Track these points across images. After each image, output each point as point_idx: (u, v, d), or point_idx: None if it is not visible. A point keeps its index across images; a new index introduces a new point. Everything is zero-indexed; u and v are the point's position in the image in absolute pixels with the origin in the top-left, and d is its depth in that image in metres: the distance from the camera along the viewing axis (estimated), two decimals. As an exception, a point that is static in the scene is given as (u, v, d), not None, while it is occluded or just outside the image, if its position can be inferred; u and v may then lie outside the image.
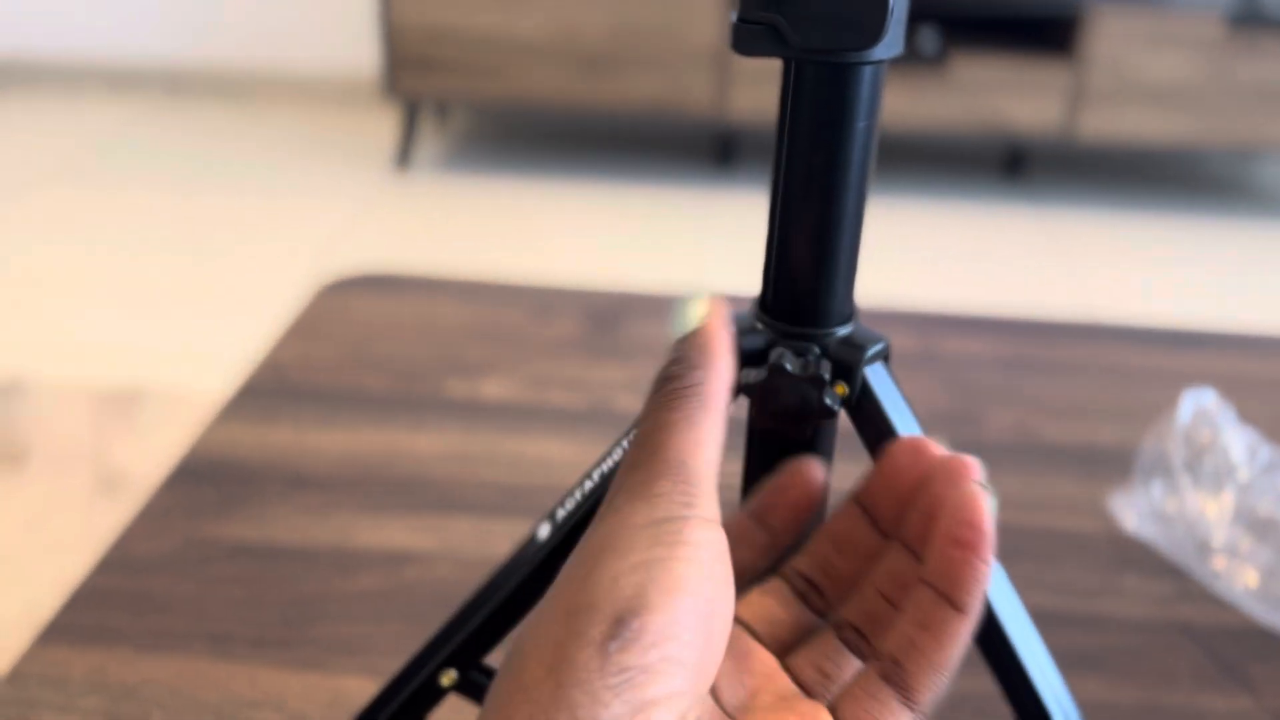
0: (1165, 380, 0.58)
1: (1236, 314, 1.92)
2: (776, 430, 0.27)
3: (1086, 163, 2.50)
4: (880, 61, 0.23)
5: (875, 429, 0.26)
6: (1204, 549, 0.41)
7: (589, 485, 0.27)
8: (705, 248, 2.07)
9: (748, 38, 0.23)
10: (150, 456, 1.37)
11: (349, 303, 0.65)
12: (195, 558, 0.42)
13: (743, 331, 0.26)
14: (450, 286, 0.68)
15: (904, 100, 2.16)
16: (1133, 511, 0.44)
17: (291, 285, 1.87)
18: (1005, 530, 0.47)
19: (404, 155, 2.34)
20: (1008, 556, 0.27)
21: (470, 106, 2.58)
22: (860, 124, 0.23)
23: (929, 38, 2.18)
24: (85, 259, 1.96)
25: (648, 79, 2.20)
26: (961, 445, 0.51)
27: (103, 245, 2.01)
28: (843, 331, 0.26)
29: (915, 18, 2.26)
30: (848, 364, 0.26)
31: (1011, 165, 2.43)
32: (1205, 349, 0.62)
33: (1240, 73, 2.12)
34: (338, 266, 1.92)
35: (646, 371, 0.58)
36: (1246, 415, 0.55)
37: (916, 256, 2.07)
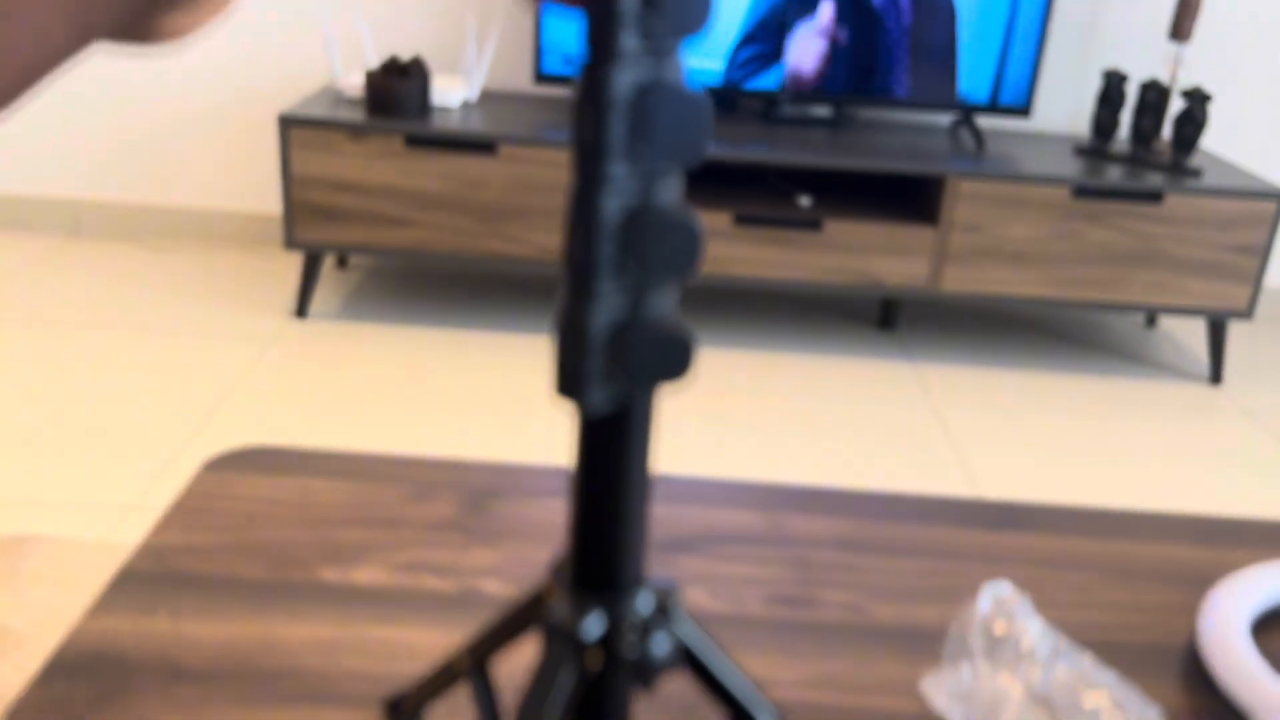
0: (986, 559, 0.63)
1: (1081, 461, 2.03)
2: None
3: (952, 315, 2.64)
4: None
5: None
6: (1000, 730, 0.45)
7: None
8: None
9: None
10: (33, 610, 1.34)
11: (230, 482, 0.67)
12: (66, 756, 0.43)
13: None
14: (331, 462, 0.71)
15: (784, 259, 2.27)
16: (942, 692, 0.48)
17: (184, 432, 1.86)
18: (831, 713, 0.50)
19: (302, 302, 2.36)
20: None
21: (369, 255, 2.62)
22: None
23: (806, 201, 2.31)
24: (-29, 404, 1.92)
25: (540, 230, 2.27)
26: (800, 627, 0.55)
27: (-10, 390, 1.97)
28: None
29: (794, 184, 2.39)
30: None
31: (884, 317, 2.56)
32: (1023, 530, 0.68)
33: (1087, 236, 2.28)
34: (230, 419, 1.92)
35: (518, 555, 0.61)
36: (1053, 596, 0.60)
37: (798, 404, 2.14)
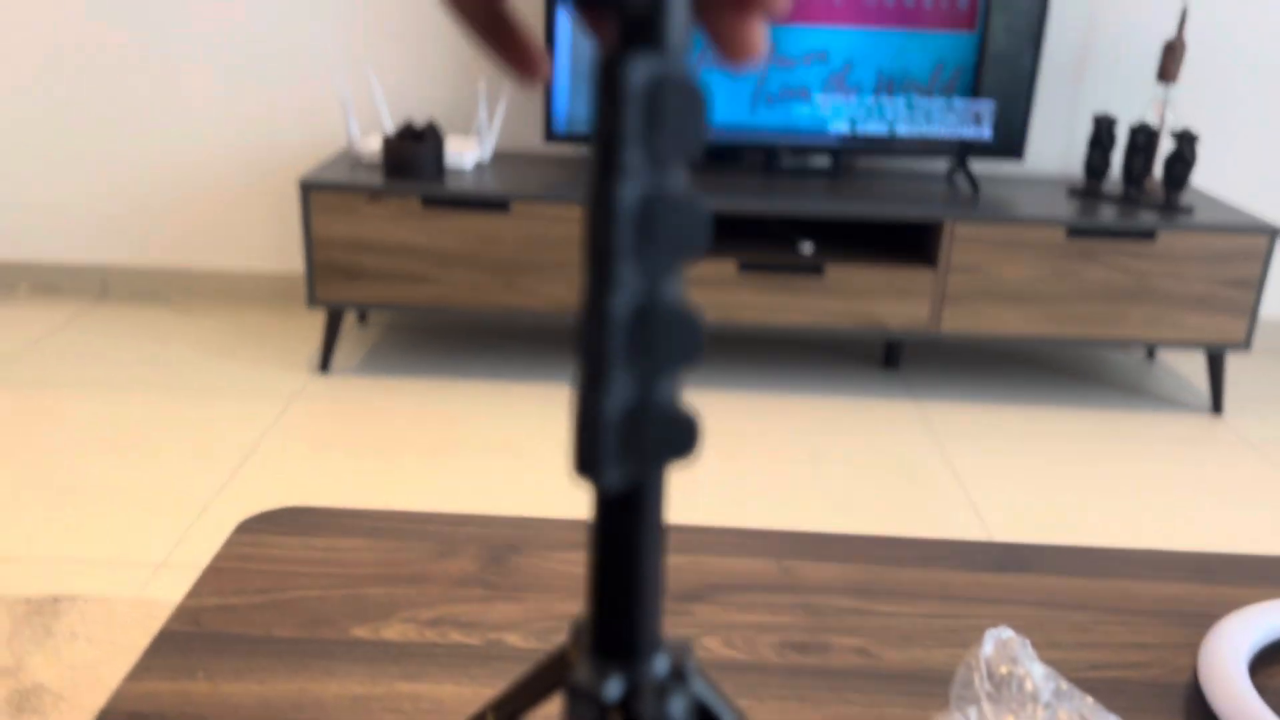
0: (991, 600, 0.64)
1: (1085, 493, 2.02)
2: None
3: (955, 352, 2.65)
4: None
5: None
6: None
7: None
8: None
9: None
10: (70, 669, 1.35)
11: (263, 542, 0.68)
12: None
13: None
14: (358, 520, 0.72)
15: (788, 304, 2.29)
16: (952, 736, 0.49)
17: (212, 487, 1.87)
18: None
19: (326, 358, 2.38)
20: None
21: (390, 311, 2.65)
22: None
23: (808, 248, 2.33)
24: (5, 464, 1.94)
25: (554, 284, 2.30)
26: (813, 672, 0.56)
27: (25, 449, 1.99)
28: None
29: (795, 231, 2.42)
30: None
31: (888, 357, 2.57)
32: (1026, 571, 0.69)
33: (1083, 274, 2.29)
34: (258, 474, 1.93)
35: (540, 608, 0.62)
36: (1056, 637, 0.61)
37: (805, 443, 2.15)
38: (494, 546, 0.68)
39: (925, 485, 2.03)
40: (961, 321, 2.32)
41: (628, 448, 0.25)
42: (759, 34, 0.28)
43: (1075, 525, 1.92)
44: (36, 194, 2.72)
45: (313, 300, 2.31)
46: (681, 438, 0.26)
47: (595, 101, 0.27)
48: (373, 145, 2.38)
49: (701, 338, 0.26)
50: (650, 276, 0.26)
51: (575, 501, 1.90)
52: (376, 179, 2.28)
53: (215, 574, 0.64)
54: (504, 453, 2.07)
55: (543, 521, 0.72)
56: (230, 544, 0.68)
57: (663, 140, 0.26)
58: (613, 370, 0.25)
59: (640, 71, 0.26)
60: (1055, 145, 2.64)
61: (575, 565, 0.67)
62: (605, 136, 0.26)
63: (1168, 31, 2.53)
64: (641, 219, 0.26)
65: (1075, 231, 2.26)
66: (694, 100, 0.27)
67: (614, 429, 0.25)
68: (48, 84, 2.63)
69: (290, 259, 2.75)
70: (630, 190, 0.26)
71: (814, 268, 2.28)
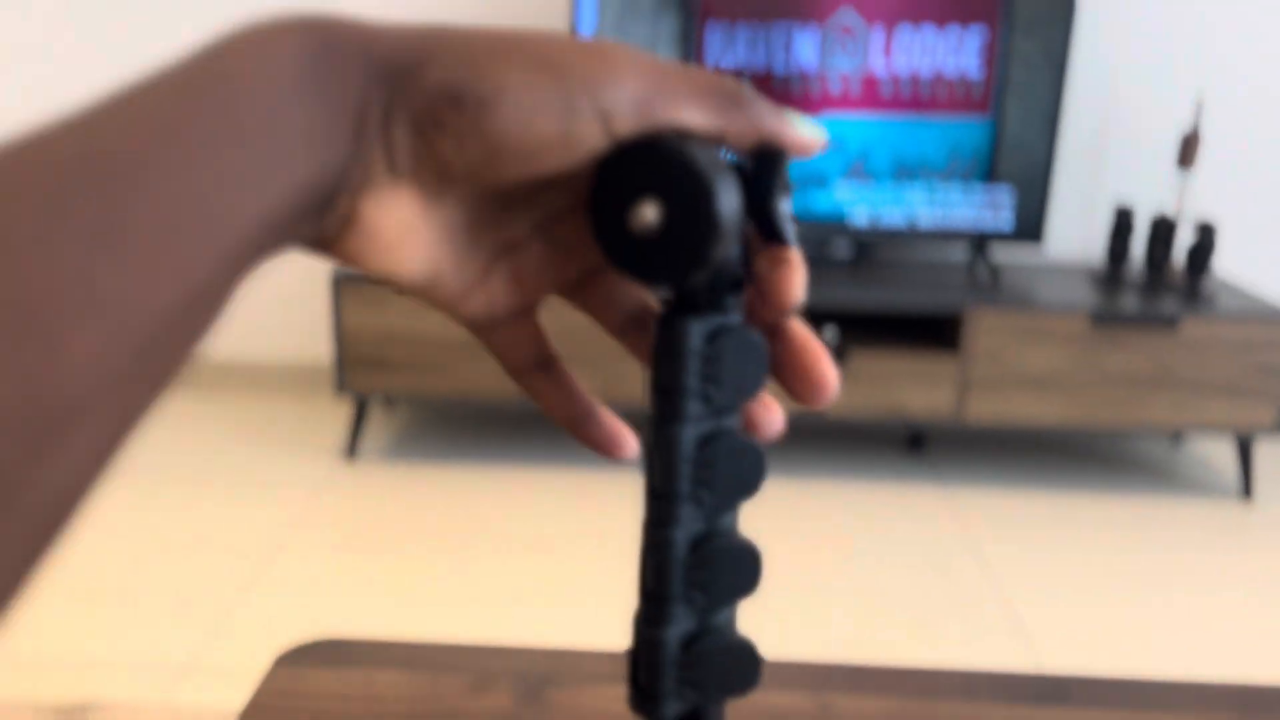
0: (1032, 740, 0.63)
1: (1114, 585, 1.99)
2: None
3: (980, 442, 2.63)
4: None
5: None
6: None
7: None
8: (635, 517, 2.12)
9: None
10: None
11: (299, 677, 0.68)
12: None
13: None
14: (393, 652, 0.72)
15: (812, 393, 2.29)
16: None
17: (239, 584, 1.87)
18: None
19: (353, 446, 2.39)
20: None
21: (417, 400, 2.66)
22: None
23: (831, 335, 2.34)
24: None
25: (582, 373, 2.30)
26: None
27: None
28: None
29: (818, 319, 2.42)
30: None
31: (912, 444, 2.55)
32: (1065, 704, 0.68)
33: (1107, 363, 2.28)
34: (285, 570, 1.92)
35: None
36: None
37: (831, 534, 2.13)
38: (530, 681, 0.68)
39: (956, 580, 2.00)
40: (986, 408, 2.31)
41: (687, 682, 0.26)
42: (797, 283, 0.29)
43: (1108, 621, 1.89)
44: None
45: (341, 389, 2.33)
46: (742, 669, 0.26)
47: (657, 354, 0.28)
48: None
49: (759, 570, 0.26)
50: (708, 515, 0.26)
51: (607, 607, 1.89)
52: (405, 271, 2.31)
53: (254, 711, 0.64)
54: (534, 548, 2.06)
55: (580, 654, 0.71)
56: (268, 680, 0.68)
57: (722, 390, 0.28)
58: (672, 606, 0.26)
59: (700, 330, 0.28)
60: (1074, 230, 2.65)
61: (614, 702, 0.66)
62: (667, 387, 0.27)
63: (1185, 111, 2.55)
64: (701, 463, 0.27)
65: (1098, 319, 2.26)
66: (752, 351, 0.28)
67: (673, 665, 0.25)
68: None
69: (315, 346, 2.78)
70: (690, 436, 0.27)
71: (836, 355, 2.28)
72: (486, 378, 2.31)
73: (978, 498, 2.32)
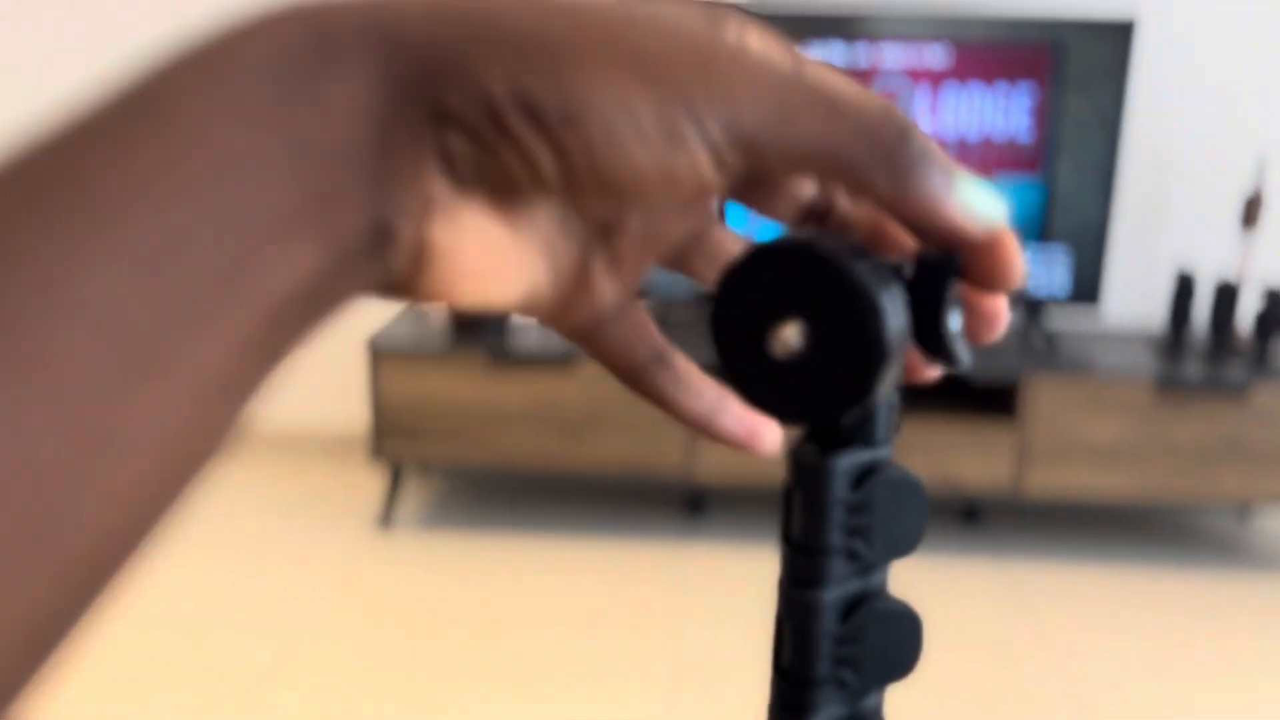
0: None
1: (1180, 666, 1.87)
2: None
3: (1039, 515, 2.52)
4: None
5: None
6: None
7: None
8: (676, 591, 2.03)
9: None
10: None
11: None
12: None
13: None
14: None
15: (863, 464, 2.19)
16: None
17: (272, 659, 1.79)
18: None
19: (387, 515, 2.33)
20: None
21: (453, 469, 2.60)
22: None
23: (881, 404, 2.25)
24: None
25: (620, 442, 2.23)
26: None
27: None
28: None
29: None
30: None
31: (968, 517, 2.45)
32: None
33: (1172, 432, 2.17)
34: (318, 645, 1.84)
35: None
36: None
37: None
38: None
39: (1020, 662, 1.89)
40: (1045, 480, 2.20)
41: None
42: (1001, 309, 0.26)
43: (1176, 705, 1.76)
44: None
45: (376, 457, 2.27)
46: None
47: (788, 499, 0.24)
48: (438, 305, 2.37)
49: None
50: (853, 701, 0.24)
51: (658, 689, 1.79)
52: (442, 337, 2.26)
53: None
54: (577, 623, 1.97)
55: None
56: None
57: (872, 545, 0.24)
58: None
59: (846, 471, 0.24)
60: (1132, 294, 2.55)
61: None
62: (802, 544, 0.24)
63: (1246, 170, 2.45)
64: (844, 638, 0.24)
65: (1163, 386, 2.16)
66: (910, 496, 0.24)
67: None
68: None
69: (348, 413, 2.72)
70: (831, 603, 0.24)
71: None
72: (524, 445, 2.24)
73: (1037, 573, 2.21)
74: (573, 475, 2.37)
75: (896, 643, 0.24)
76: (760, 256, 0.23)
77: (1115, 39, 2.22)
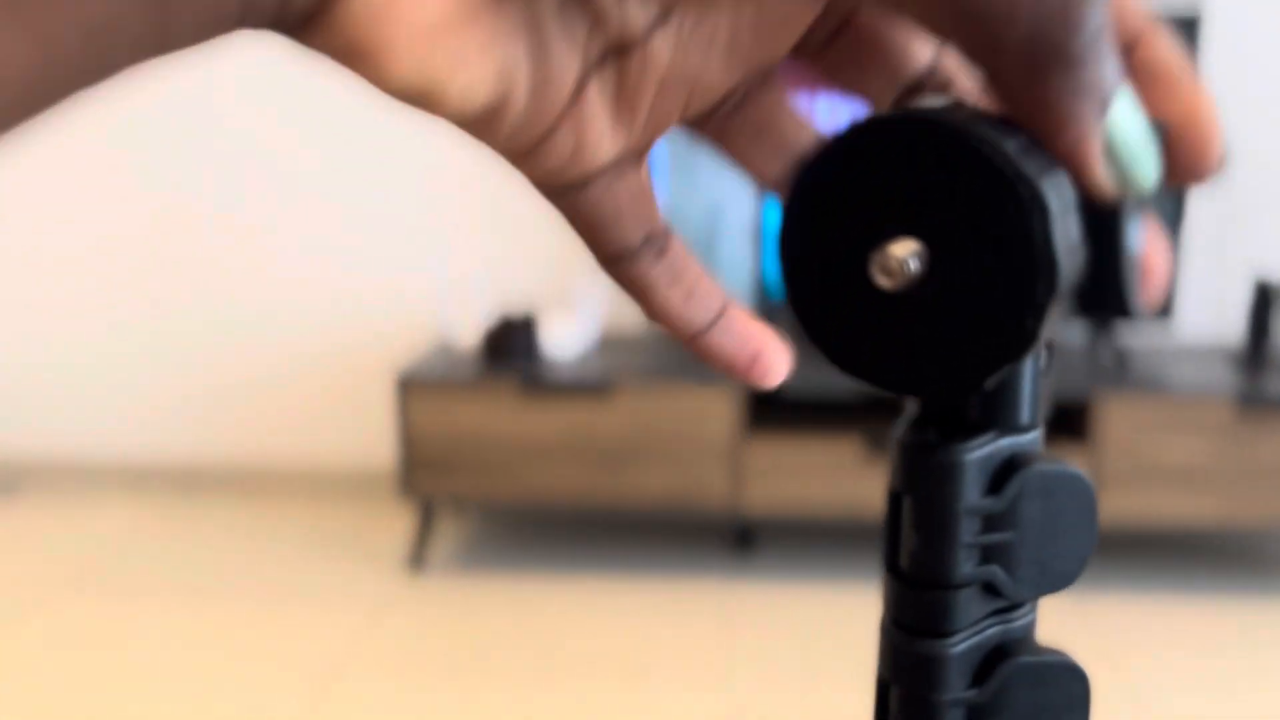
0: None
1: (1272, 702, 1.70)
2: None
3: (1113, 542, 2.35)
4: None
5: None
6: None
7: None
8: (725, 633, 1.89)
9: None
10: None
11: None
12: None
13: None
14: None
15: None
16: None
17: (302, 710, 1.67)
18: None
19: (418, 556, 2.21)
20: None
21: (486, 505, 2.47)
22: None
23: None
24: (79, 691, 1.77)
25: (663, 474, 2.10)
26: None
27: (100, 669, 1.83)
28: None
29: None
30: None
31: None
32: None
33: (1255, 452, 2.02)
34: (348, 695, 1.71)
35: None
36: None
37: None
38: None
39: (1097, 697, 1.72)
40: (1121, 505, 2.04)
41: None
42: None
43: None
44: (115, 393, 2.63)
45: (406, 494, 2.15)
46: None
47: (891, 509, 0.19)
48: (469, 334, 2.26)
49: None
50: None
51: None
52: (474, 368, 2.14)
53: None
54: (616, 670, 1.83)
55: None
56: None
57: (1019, 576, 0.18)
58: None
59: (980, 468, 0.17)
60: (1206, 306, 2.39)
61: None
62: (919, 577, 0.18)
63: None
64: (978, 706, 0.18)
65: (1244, 404, 2.00)
66: (1072, 499, 0.18)
67: None
68: (134, 283, 2.58)
69: (376, 448, 2.60)
70: (960, 654, 0.18)
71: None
72: (561, 479, 2.11)
73: (1114, 603, 2.05)
74: (613, 510, 2.24)
75: (1052, 712, 0.20)
76: (861, 135, 0.17)
77: (1181, 34, 2.08)
